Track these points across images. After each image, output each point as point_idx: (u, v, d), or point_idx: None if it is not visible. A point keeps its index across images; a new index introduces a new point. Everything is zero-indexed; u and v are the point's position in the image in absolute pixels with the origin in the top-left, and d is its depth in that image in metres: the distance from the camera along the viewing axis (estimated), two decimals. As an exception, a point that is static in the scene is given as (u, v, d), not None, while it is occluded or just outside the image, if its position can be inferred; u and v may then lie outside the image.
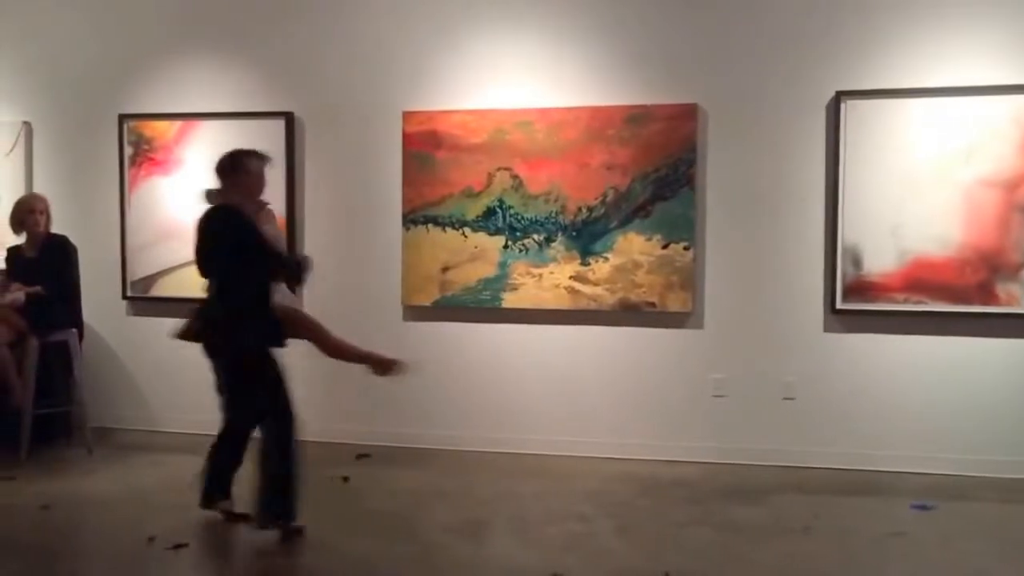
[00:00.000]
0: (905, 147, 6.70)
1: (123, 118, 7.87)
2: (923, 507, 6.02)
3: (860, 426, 6.90)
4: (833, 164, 6.81)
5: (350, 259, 7.60)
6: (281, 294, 5.62)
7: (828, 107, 6.84)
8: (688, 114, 6.97)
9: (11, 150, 8.11)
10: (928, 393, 6.81)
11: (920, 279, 6.71)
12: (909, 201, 6.70)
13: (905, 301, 6.74)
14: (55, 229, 7.26)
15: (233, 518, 5.52)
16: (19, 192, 7.77)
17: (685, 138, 6.97)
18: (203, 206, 5.46)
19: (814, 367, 6.97)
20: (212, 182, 7.06)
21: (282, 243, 5.55)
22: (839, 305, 6.85)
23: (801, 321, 6.97)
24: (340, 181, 7.62)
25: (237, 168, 5.45)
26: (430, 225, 7.33)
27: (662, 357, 7.17)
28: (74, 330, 7.21)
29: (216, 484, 5.56)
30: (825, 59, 6.86)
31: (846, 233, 6.79)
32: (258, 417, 5.42)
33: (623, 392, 7.22)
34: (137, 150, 7.84)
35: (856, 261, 6.79)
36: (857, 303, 6.82)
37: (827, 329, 6.94)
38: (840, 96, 6.77)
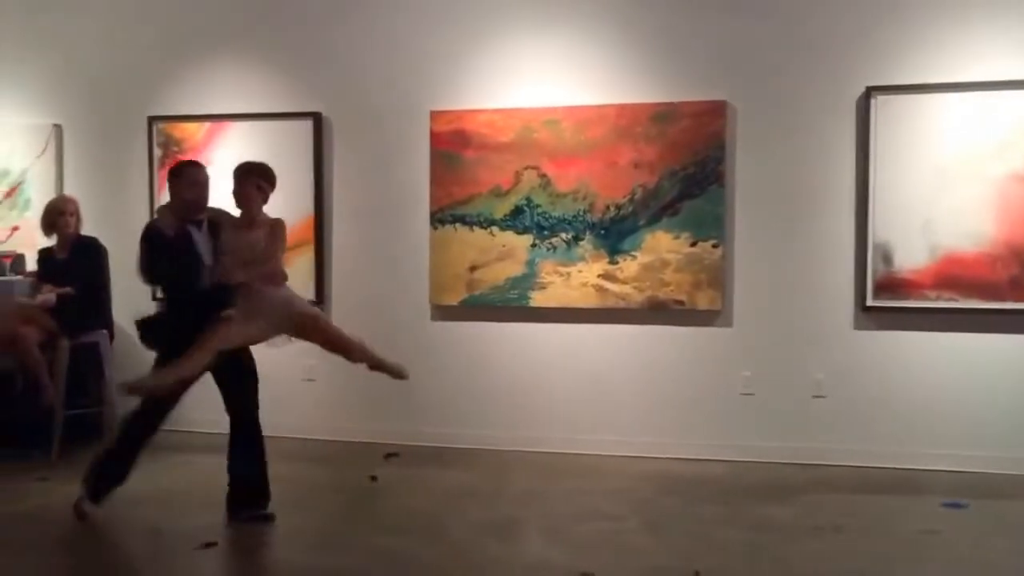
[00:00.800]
0: (936, 142, 6.65)
1: (152, 120, 7.93)
2: (956, 505, 5.97)
3: (891, 424, 6.85)
4: (863, 160, 6.77)
5: (378, 259, 7.62)
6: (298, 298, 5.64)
7: (858, 103, 6.79)
8: (717, 111, 6.94)
9: (42, 153, 8.18)
10: (960, 390, 6.75)
11: (952, 275, 6.65)
12: (940, 196, 6.65)
13: (936, 298, 6.68)
14: (85, 231, 7.29)
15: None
16: (50, 194, 7.84)
17: (714, 135, 6.94)
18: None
19: (844, 365, 6.92)
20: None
21: (235, 255, 5.47)
22: (869, 302, 6.80)
23: (831, 318, 6.93)
24: (368, 181, 7.63)
25: (171, 177, 5.69)
26: (458, 224, 7.34)
27: (691, 355, 7.14)
28: (104, 331, 7.26)
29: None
30: (856, 54, 6.82)
31: (876, 229, 6.74)
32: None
33: (652, 391, 7.19)
34: (166, 152, 7.88)
35: (887, 258, 6.74)
36: (888, 300, 6.77)
37: (857, 326, 6.89)
38: (871, 91, 6.72)
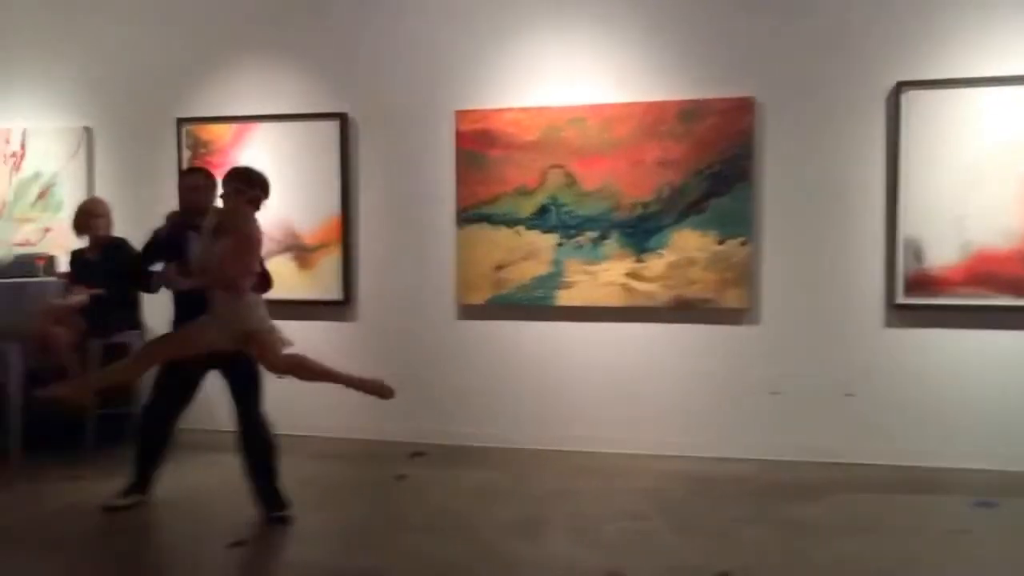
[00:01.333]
0: (968, 137, 6.57)
1: (181, 122, 7.98)
2: (986, 504, 5.91)
3: (921, 422, 6.78)
4: (893, 156, 6.70)
5: (404, 258, 7.63)
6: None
7: (888, 98, 6.72)
8: (744, 107, 6.89)
9: (73, 155, 8.26)
10: (991, 389, 6.67)
11: (983, 272, 6.57)
12: (972, 192, 6.57)
13: (968, 295, 6.60)
14: (116, 232, 7.35)
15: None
16: (81, 196, 7.91)
17: (741, 132, 6.89)
18: None
19: (874, 363, 6.86)
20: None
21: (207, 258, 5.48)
22: (900, 300, 6.73)
23: (861, 316, 6.87)
24: (394, 181, 7.64)
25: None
26: (484, 224, 7.33)
27: (718, 354, 7.10)
28: (136, 331, 7.31)
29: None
30: (885, 49, 6.75)
31: (907, 226, 6.67)
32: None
33: (679, 390, 7.16)
34: (195, 153, 7.93)
35: (917, 255, 6.67)
36: (918, 297, 6.70)
37: (888, 324, 6.82)
38: (900, 86, 6.65)
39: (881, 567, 4.92)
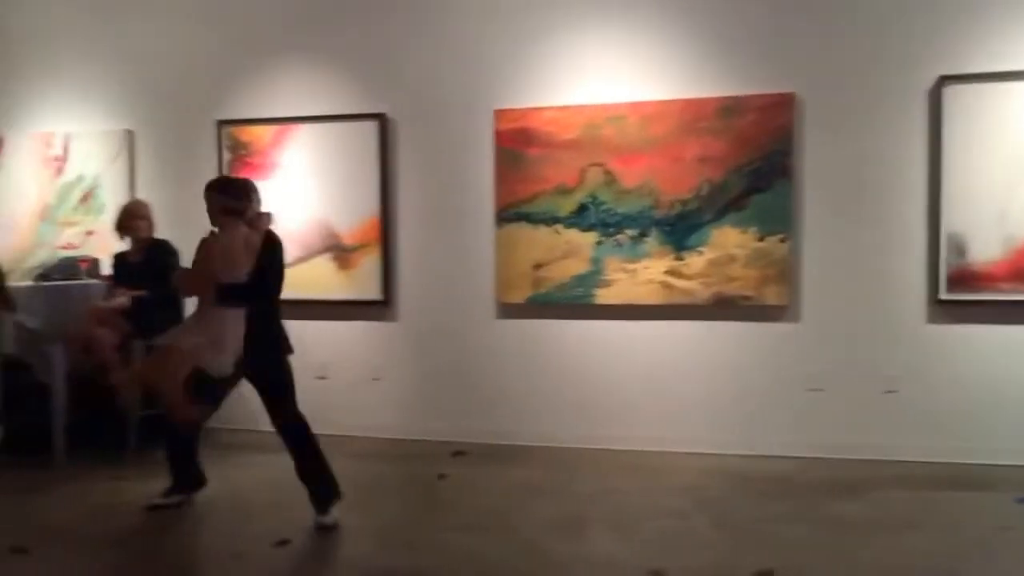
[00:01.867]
0: (1011, 132, 6.52)
1: (220, 124, 8.04)
2: (1031, 501, 5.87)
3: (963, 419, 6.74)
4: (935, 151, 6.65)
5: (444, 258, 7.64)
6: None
7: (930, 92, 6.68)
8: (784, 103, 6.87)
9: (115, 158, 8.33)
10: (1036, 385, 6.63)
11: (1027, 268, 6.53)
12: (1016, 187, 6.52)
13: (1011, 290, 6.55)
14: (158, 234, 7.37)
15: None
16: (123, 199, 7.96)
17: (781, 128, 6.86)
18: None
19: (917, 360, 6.81)
20: (305, 185, 7.23)
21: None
22: (942, 295, 6.68)
23: (903, 313, 6.82)
24: (433, 180, 7.66)
25: None
26: (523, 222, 7.34)
27: (759, 351, 7.07)
28: (177, 332, 7.35)
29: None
30: (926, 43, 6.70)
31: (950, 221, 6.63)
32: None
33: (719, 387, 7.14)
34: (235, 155, 7.99)
35: (960, 250, 6.62)
36: (961, 293, 6.65)
37: (930, 320, 6.78)
38: (943, 81, 6.60)
39: (923, 564, 4.88)
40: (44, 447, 7.04)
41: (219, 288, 5.47)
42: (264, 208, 5.76)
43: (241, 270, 5.48)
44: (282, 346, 5.61)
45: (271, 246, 5.54)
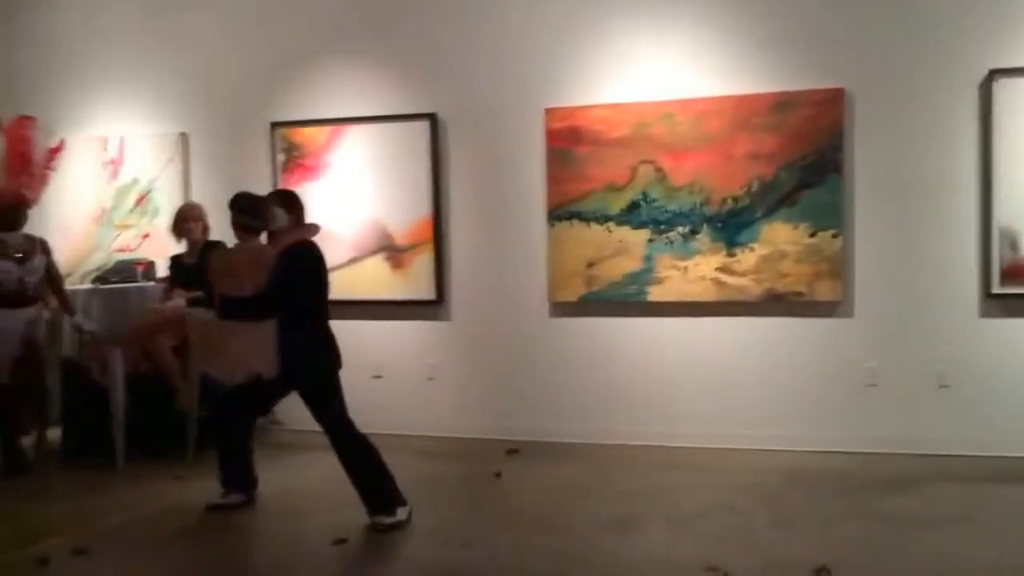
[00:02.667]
0: (1064, 124, 6.50)
1: (274, 126, 8.11)
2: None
3: (1018, 412, 6.73)
4: (986, 145, 6.64)
5: (496, 257, 7.69)
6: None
7: (981, 86, 6.67)
8: (835, 99, 6.87)
9: (169, 161, 8.44)
10: (1090, 377, 6.61)
11: (1082, 260, 6.51)
12: (1069, 180, 6.50)
13: (1067, 283, 6.55)
14: (212, 236, 7.46)
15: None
16: (178, 201, 8.06)
17: (832, 124, 6.87)
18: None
19: (969, 353, 6.81)
20: (357, 186, 7.34)
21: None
22: (995, 289, 6.68)
23: (955, 307, 6.82)
24: (484, 180, 7.71)
25: None
26: (574, 221, 7.37)
27: (811, 347, 7.08)
28: (235, 333, 7.43)
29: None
30: (976, 36, 6.69)
31: (1001, 215, 6.62)
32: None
33: (772, 383, 7.15)
34: (288, 157, 8.07)
35: (1013, 243, 6.61)
36: (1014, 287, 6.65)
37: (983, 314, 6.77)
38: (993, 74, 6.60)
39: (979, 558, 4.88)
40: (104, 449, 7.12)
41: (221, 300, 5.64)
42: (309, 217, 5.88)
43: (247, 284, 5.59)
44: (316, 356, 5.61)
45: (291, 260, 5.54)
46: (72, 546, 5.32)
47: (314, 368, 5.59)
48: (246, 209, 6.07)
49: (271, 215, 5.67)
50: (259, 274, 5.55)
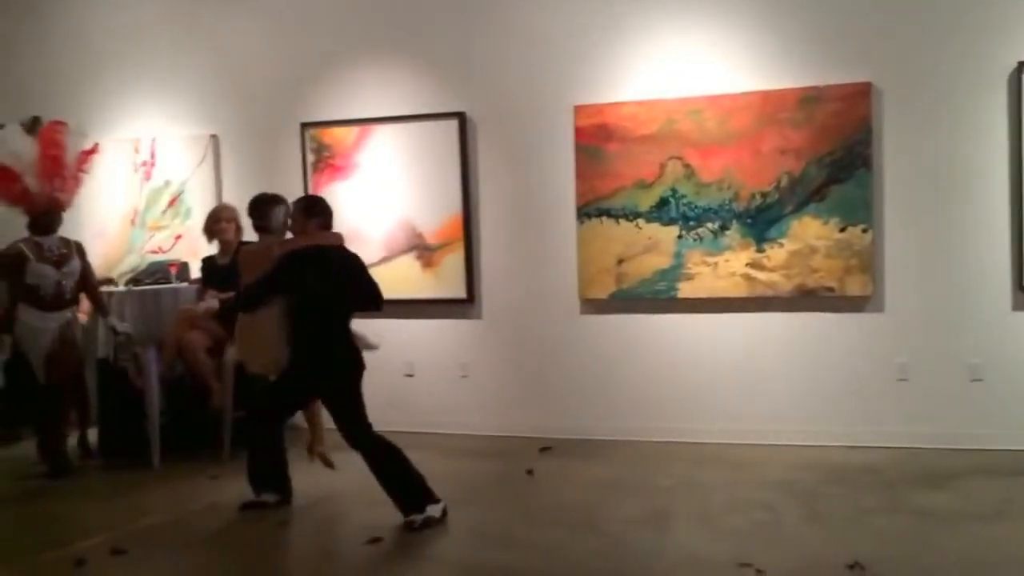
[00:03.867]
0: (1095, 115, 6.45)
1: (304, 126, 8.15)
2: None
3: (1053, 407, 6.69)
4: (1016, 137, 6.61)
5: (526, 255, 7.71)
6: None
7: (1010, 78, 6.63)
8: (863, 93, 6.84)
9: (201, 162, 8.51)
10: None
11: (1116, 252, 6.47)
12: (1101, 172, 6.46)
13: (1100, 276, 6.50)
14: (245, 237, 7.46)
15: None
16: (210, 203, 8.15)
17: (860, 118, 6.84)
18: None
19: (1002, 347, 6.77)
20: (387, 185, 7.46)
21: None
22: (1028, 282, 6.65)
23: (987, 300, 6.79)
24: (513, 178, 7.73)
25: None
26: (604, 218, 7.38)
27: (843, 342, 7.06)
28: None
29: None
30: (1004, 27, 6.65)
31: (1033, 207, 6.58)
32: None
33: (804, 379, 7.14)
34: (318, 157, 8.11)
35: (1046, 236, 6.58)
36: (1048, 279, 6.61)
37: (1016, 308, 6.74)
38: (1022, 65, 6.55)
39: (1015, 553, 4.88)
40: (140, 450, 7.20)
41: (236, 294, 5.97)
42: (339, 218, 6.05)
43: (247, 277, 5.89)
44: (329, 357, 5.66)
45: (280, 261, 5.63)
46: (110, 546, 5.39)
47: (326, 369, 5.65)
48: (251, 209, 6.54)
49: (270, 215, 6.14)
50: (262, 269, 5.76)
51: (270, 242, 6.10)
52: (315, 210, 5.77)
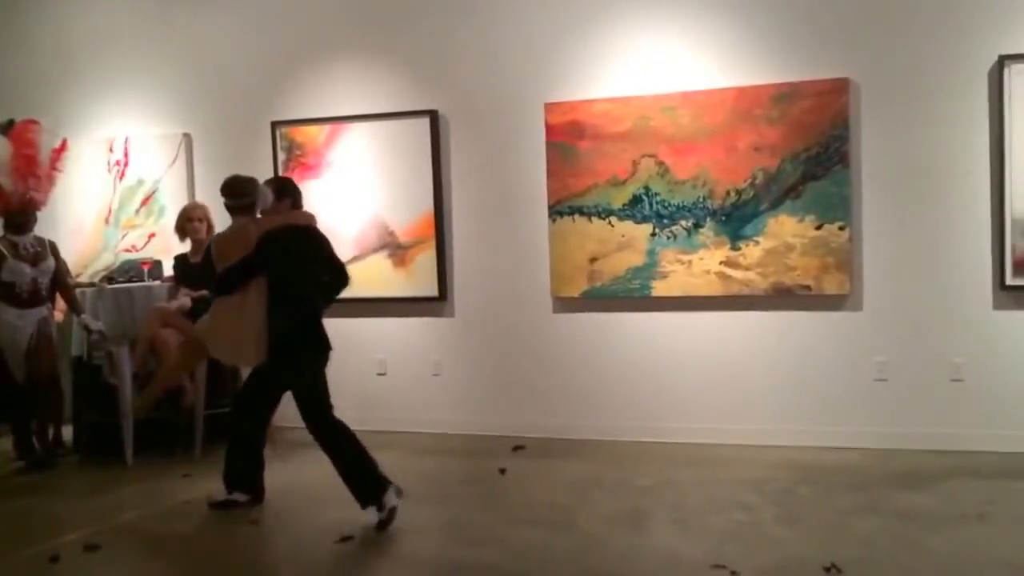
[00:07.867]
0: (1077, 110, 6.35)
1: (275, 125, 8.12)
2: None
3: (1033, 407, 6.59)
4: (998, 133, 6.50)
5: (498, 253, 7.66)
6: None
7: (991, 73, 6.52)
8: (839, 89, 6.74)
9: (173, 162, 8.47)
10: (1106, 371, 6.46)
11: (1097, 250, 6.36)
12: (1084, 168, 6.35)
13: (1081, 274, 6.40)
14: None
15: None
16: (182, 201, 8.09)
17: (837, 114, 6.74)
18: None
19: (983, 346, 6.67)
20: (359, 183, 7.28)
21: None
22: (1009, 281, 6.54)
23: (968, 299, 6.68)
24: (485, 175, 7.68)
25: None
26: (576, 216, 7.31)
27: (820, 341, 6.97)
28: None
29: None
30: (985, 22, 6.55)
31: (1015, 205, 6.47)
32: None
33: (781, 378, 7.05)
34: (290, 155, 8.08)
35: (1027, 234, 6.47)
36: (1029, 278, 6.51)
37: (996, 306, 6.63)
38: (1003, 60, 6.45)
39: (996, 555, 4.79)
40: (113, 447, 7.20)
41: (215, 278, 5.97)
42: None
43: (225, 263, 5.82)
44: (289, 339, 5.65)
45: (259, 242, 5.68)
46: (84, 542, 5.41)
47: (285, 351, 5.64)
48: (224, 189, 6.35)
49: (257, 191, 5.93)
50: (242, 251, 5.74)
51: (244, 222, 6.03)
52: (286, 191, 5.84)
